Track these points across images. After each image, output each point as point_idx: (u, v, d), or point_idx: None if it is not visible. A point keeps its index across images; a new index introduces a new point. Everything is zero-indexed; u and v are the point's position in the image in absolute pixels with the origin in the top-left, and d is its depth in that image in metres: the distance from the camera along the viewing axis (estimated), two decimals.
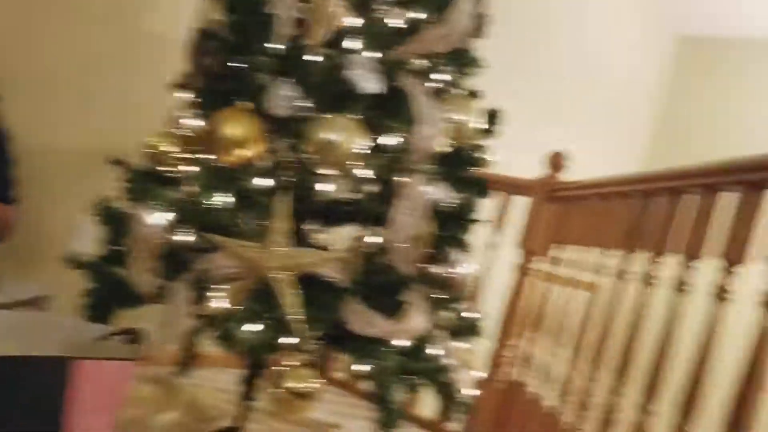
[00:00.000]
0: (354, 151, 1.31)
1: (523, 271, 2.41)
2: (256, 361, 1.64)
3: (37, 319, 1.29)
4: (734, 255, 1.29)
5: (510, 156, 2.78)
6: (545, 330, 2.25)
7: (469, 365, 1.70)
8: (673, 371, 1.48)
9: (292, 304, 1.28)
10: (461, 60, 1.48)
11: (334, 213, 1.58)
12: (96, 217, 1.56)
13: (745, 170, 1.27)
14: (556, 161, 2.43)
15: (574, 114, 3.99)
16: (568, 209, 2.27)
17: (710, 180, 1.39)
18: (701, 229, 1.41)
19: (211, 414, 2.14)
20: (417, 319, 1.39)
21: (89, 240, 2.28)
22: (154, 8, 2.30)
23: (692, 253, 1.43)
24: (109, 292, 1.49)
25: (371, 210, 1.50)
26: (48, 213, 2.22)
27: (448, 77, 1.53)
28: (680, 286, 1.46)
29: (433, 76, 1.47)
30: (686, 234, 1.45)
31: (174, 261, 1.39)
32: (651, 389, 1.49)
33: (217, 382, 2.36)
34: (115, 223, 1.52)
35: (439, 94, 1.46)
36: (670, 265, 1.53)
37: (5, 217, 1.89)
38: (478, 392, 1.81)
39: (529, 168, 2.50)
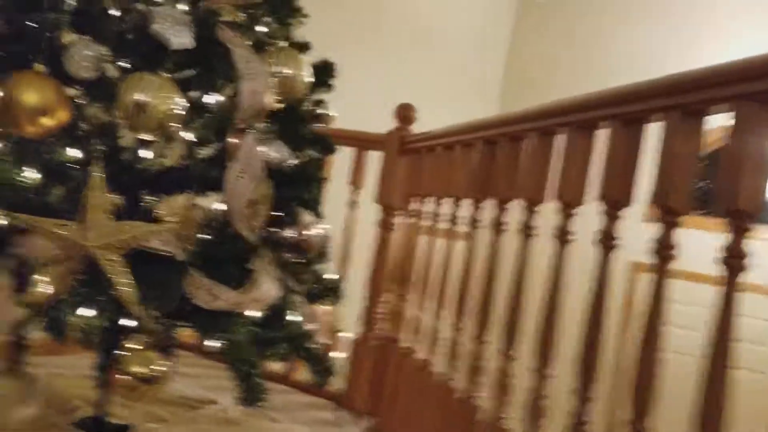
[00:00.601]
0: (169, 112, 1.20)
1: (384, 226, 2.40)
2: (105, 346, 1.53)
3: None
4: (571, 197, 1.32)
5: (368, 112, 2.76)
6: (413, 283, 2.27)
7: (334, 327, 1.67)
8: (527, 315, 1.51)
9: (123, 283, 1.18)
10: (281, 10, 1.40)
11: (165, 181, 1.48)
12: None
13: (576, 111, 1.29)
14: (405, 113, 2.39)
15: (425, 68, 4.00)
16: (419, 161, 2.26)
17: (545, 123, 1.40)
18: (541, 173, 1.42)
19: (73, 404, 2.01)
20: (266, 287, 1.33)
21: None
22: None
23: (534, 198, 1.45)
24: None
25: (204, 175, 1.42)
26: None
27: (268, 29, 1.45)
28: (526, 231, 1.48)
29: (252, 28, 1.39)
30: (528, 179, 1.46)
31: None
32: (509, 334, 1.51)
33: (82, 368, 2.20)
34: None
35: (261, 47, 1.37)
36: (517, 211, 1.55)
37: None
38: (345, 354, 1.79)
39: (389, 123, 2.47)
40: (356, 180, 2.50)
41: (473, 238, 1.78)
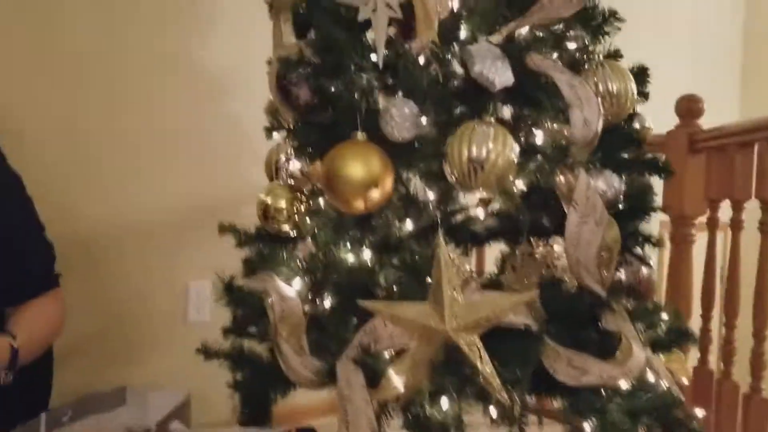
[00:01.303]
0: (507, 163, 1.03)
1: (678, 239, 2.06)
2: None
3: None
4: None
5: None
6: (730, 304, 1.91)
7: (681, 380, 1.40)
8: None
9: (486, 368, 1.01)
10: (593, 19, 1.17)
11: (489, 236, 1.32)
12: (218, 295, 1.37)
13: None
14: (690, 106, 2.06)
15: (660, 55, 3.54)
16: (724, 159, 1.92)
17: None
18: None
19: None
20: (637, 352, 1.10)
21: (206, 310, 2.10)
22: (219, 49, 2.10)
23: None
24: (259, 383, 1.28)
25: (535, 225, 1.24)
26: (137, 290, 2.01)
27: (582, 44, 1.24)
28: None
29: (560, 46, 1.19)
30: None
31: (328, 336, 1.17)
32: None
33: None
34: (244, 300, 1.31)
35: (577, 66, 1.16)
36: None
37: (56, 318, 1.36)
38: (704, 411, 1.50)
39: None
40: None
41: None
